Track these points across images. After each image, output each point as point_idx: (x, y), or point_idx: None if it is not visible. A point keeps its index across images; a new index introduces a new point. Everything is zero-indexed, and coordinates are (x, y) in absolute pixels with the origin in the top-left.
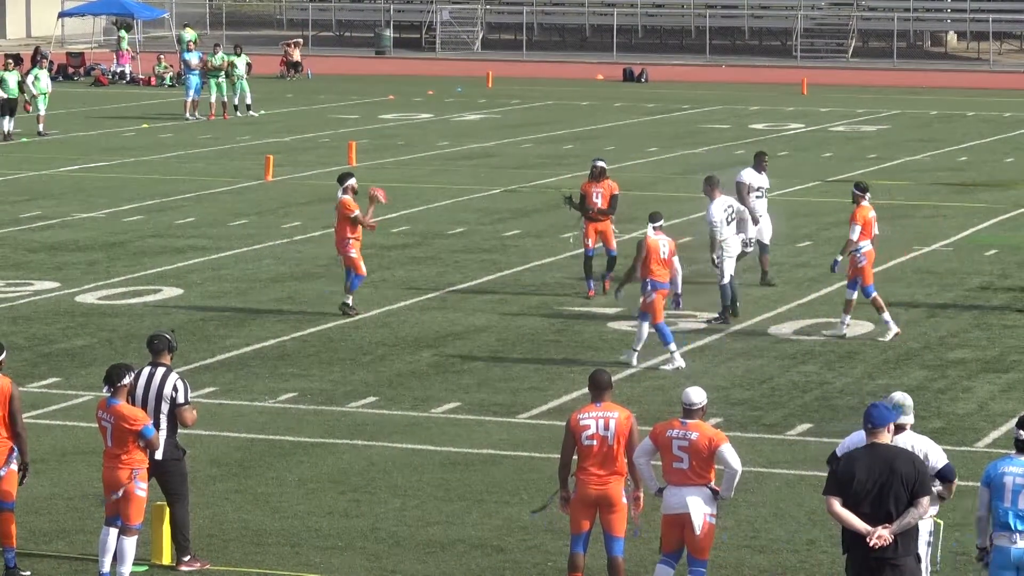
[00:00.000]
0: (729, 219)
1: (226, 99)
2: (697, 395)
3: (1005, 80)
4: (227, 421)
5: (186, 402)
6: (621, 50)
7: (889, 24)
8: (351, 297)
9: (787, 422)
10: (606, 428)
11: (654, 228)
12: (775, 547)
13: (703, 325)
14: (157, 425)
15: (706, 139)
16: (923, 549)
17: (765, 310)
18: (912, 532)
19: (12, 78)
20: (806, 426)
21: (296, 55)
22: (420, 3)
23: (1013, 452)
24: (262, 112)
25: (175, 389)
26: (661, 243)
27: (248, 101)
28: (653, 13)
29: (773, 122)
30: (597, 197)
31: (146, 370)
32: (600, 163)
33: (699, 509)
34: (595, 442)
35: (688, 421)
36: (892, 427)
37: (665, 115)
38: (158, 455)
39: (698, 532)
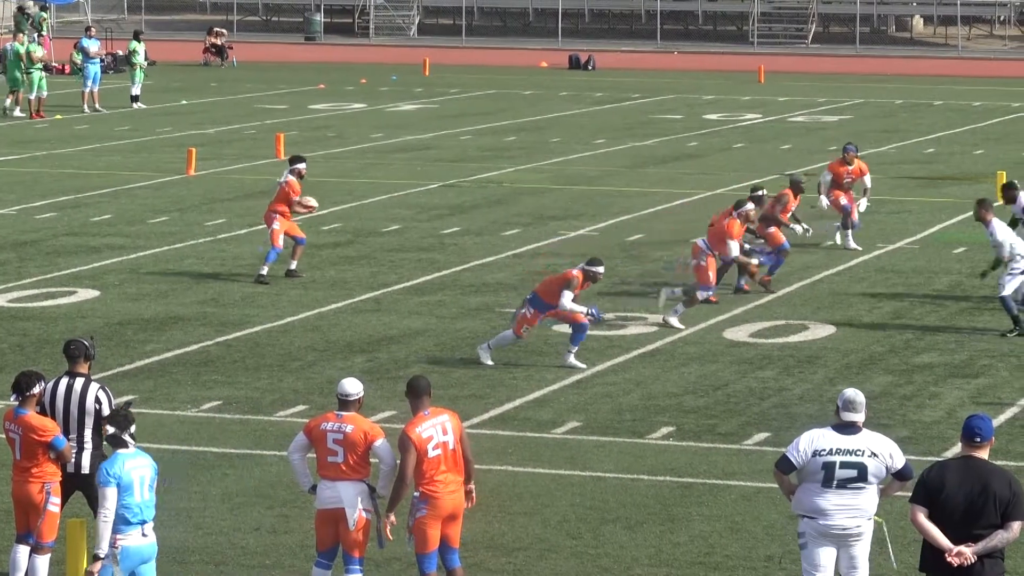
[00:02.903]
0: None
1: (39, 96)
2: (353, 386)
3: (974, 67)
4: (147, 431)
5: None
6: (566, 35)
7: (851, 8)
8: (266, 267)
9: (743, 431)
10: (445, 433)
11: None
12: (731, 564)
13: (653, 328)
14: (81, 440)
15: (657, 130)
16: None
17: (720, 312)
18: (999, 556)
19: None
20: (763, 435)
21: (219, 39)
22: None
23: None
24: (183, 102)
25: (98, 401)
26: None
27: (136, 92)
28: None
29: (728, 112)
30: None
31: (63, 380)
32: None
33: (354, 504)
34: (440, 451)
35: (344, 413)
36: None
37: (613, 105)
38: (85, 468)
39: (352, 527)
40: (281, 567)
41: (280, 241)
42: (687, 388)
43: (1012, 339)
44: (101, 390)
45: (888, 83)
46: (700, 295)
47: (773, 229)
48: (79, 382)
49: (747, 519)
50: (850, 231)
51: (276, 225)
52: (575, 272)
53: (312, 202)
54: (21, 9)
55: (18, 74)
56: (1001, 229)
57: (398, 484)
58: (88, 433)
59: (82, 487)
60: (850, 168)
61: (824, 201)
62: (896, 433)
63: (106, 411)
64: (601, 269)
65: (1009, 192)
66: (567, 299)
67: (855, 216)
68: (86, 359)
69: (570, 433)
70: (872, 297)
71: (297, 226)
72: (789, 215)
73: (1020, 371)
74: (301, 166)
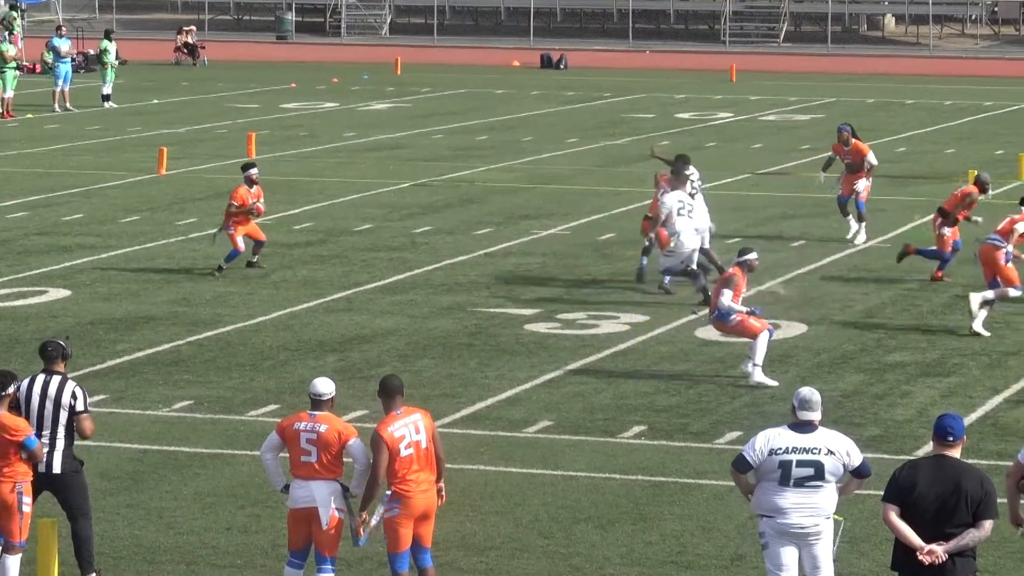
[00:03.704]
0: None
1: (9, 95)
2: (325, 385)
3: (945, 66)
4: (118, 431)
5: (85, 410)
6: (538, 35)
7: (823, 7)
8: (224, 264)
9: (715, 430)
10: (417, 432)
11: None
12: (702, 563)
13: (625, 327)
14: (54, 436)
15: (629, 129)
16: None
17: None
18: (971, 555)
19: None
20: (736, 434)
21: (190, 37)
22: None
23: None
24: (154, 100)
25: (74, 396)
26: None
27: (107, 91)
28: None
29: (700, 111)
30: None
31: (40, 378)
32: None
33: (327, 503)
34: (412, 450)
35: (317, 413)
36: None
37: (585, 104)
38: (56, 468)
39: (325, 527)
40: (253, 567)
41: (240, 243)
42: (659, 387)
43: (983, 338)
44: (77, 387)
45: (859, 82)
46: (1012, 293)
47: (955, 227)
48: (55, 379)
49: (719, 518)
50: (862, 223)
51: (231, 230)
52: (731, 269)
53: (260, 206)
54: (13, 7)
55: None
56: (671, 199)
57: (371, 483)
58: (61, 431)
59: (52, 487)
60: (846, 148)
61: (822, 176)
62: (867, 432)
63: (80, 406)
64: (754, 255)
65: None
66: (725, 299)
67: (862, 197)
68: (63, 359)
69: (542, 432)
70: (844, 296)
71: (258, 228)
72: (970, 212)
73: (991, 370)
74: (251, 172)
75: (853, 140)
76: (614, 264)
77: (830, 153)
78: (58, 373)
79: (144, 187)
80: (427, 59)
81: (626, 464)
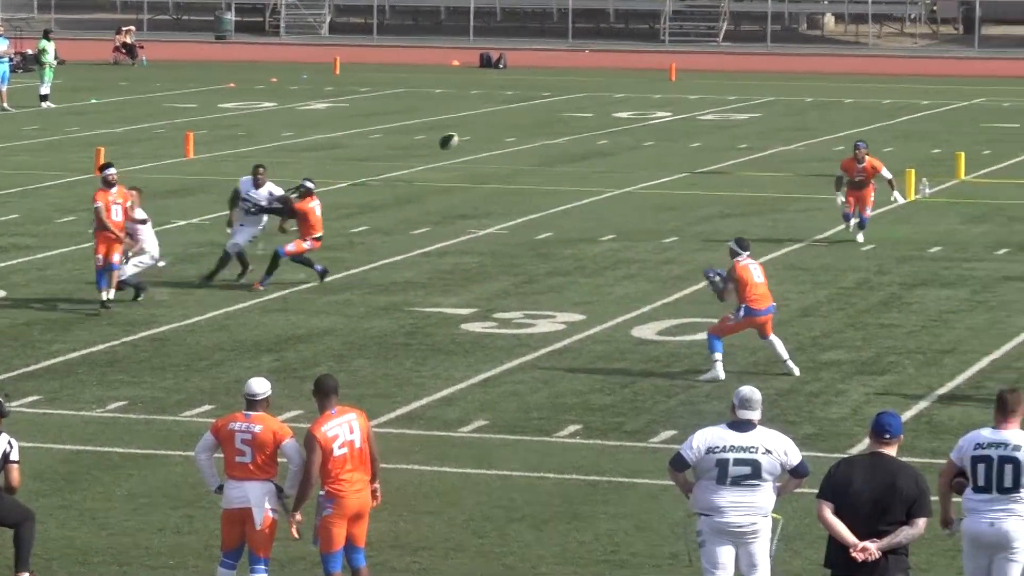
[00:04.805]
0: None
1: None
2: (260, 385)
3: (885, 65)
4: (52, 432)
5: (18, 460)
6: (478, 34)
7: (763, 6)
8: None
9: (650, 428)
10: (351, 432)
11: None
12: (636, 562)
13: (561, 326)
14: None
15: (568, 129)
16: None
17: (627, 310)
18: (903, 553)
19: None
20: (671, 433)
21: (129, 37)
22: None
23: None
24: (92, 100)
25: (9, 444)
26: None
27: (45, 91)
28: None
29: (639, 110)
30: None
31: None
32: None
33: (260, 503)
34: (346, 450)
35: (252, 413)
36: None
37: (524, 103)
38: None
39: (259, 527)
40: (185, 568)
41: (114, 256)
42: (594, 386)
43: (916, 335)
44: (12, 439)
45: (799, 81)
46: None
47: None
48: None
49: (653, 517)
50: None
51: (97, 242)
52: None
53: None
54: None
55: None
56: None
57: (304, 483)
58: None
59: None
60: (860, 166)
61: (840, 199)
62: (802, 430)
63: (15, 456)
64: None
65: (258, 177)
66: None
67: (866, 213)
68: (0, 416)
69: (477, 432)
70: (780, 294)
71: (119, 248)
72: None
73: (926, 368)
74: (107, 172)
75: (868, 158)
76: (551, 263)
77: (839, 173)
78: None
79: (82, 187)
80: (366, 59)
81: (561, 463)
